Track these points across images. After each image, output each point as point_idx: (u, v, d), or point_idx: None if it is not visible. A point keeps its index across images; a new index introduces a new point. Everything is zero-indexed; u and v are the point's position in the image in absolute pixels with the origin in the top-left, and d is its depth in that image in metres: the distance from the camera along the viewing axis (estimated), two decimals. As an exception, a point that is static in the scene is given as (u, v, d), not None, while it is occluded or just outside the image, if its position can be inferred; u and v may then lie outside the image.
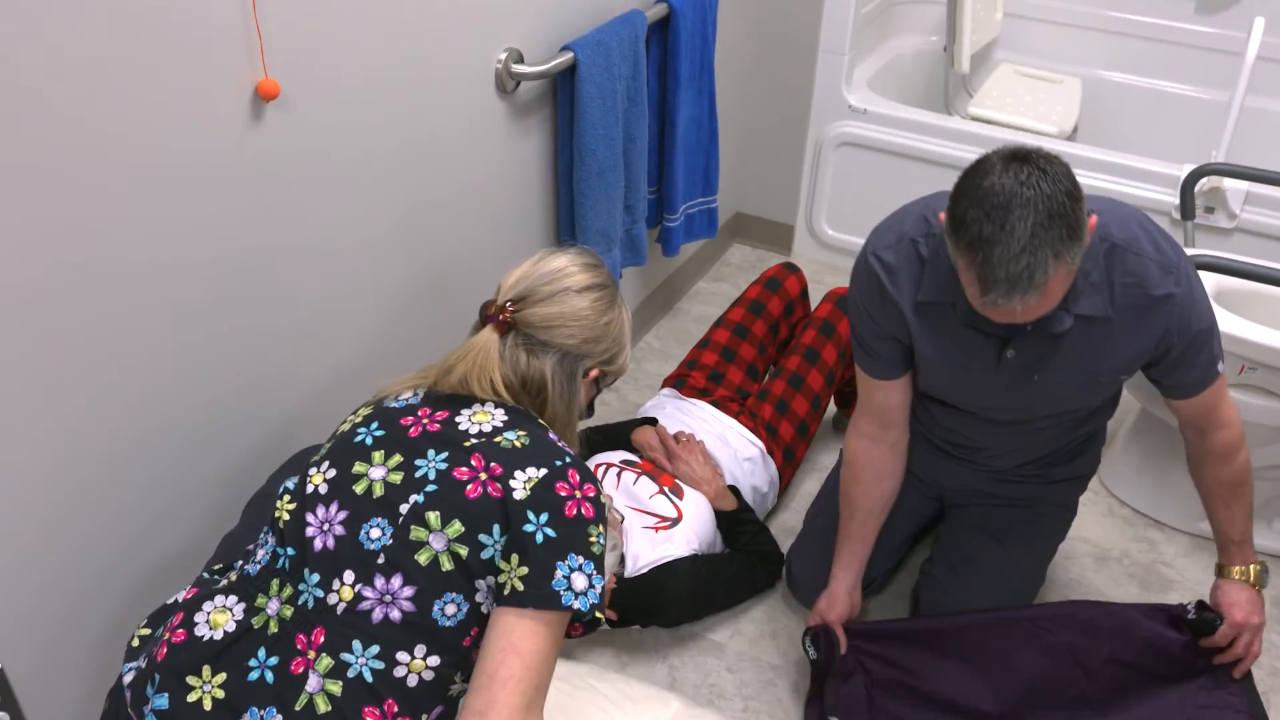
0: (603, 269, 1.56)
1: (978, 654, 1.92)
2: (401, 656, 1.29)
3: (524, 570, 1.29)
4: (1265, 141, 3.38)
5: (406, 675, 1.29)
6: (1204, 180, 2.77)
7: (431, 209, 1.98)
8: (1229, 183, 2.83)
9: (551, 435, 1.42)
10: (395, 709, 1.28)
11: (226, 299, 1.60)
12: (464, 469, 1.33)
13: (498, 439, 1.36)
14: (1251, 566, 1.87)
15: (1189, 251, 2.22)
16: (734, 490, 2.22)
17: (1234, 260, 2.13)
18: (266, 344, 1.71)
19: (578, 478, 1.35)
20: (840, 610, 1.97)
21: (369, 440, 1.40)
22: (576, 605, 1.29)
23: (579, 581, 1.30)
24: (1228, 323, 2.21)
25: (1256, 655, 1.87)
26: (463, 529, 1.30)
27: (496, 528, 1.30)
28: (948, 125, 3.18)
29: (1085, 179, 2.96)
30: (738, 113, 3.24)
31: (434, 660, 1.30)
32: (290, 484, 1.43)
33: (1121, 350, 1.68)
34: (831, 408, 2.70)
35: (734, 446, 2.31)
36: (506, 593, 1.29)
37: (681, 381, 2.47)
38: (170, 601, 1.47)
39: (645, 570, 2.05)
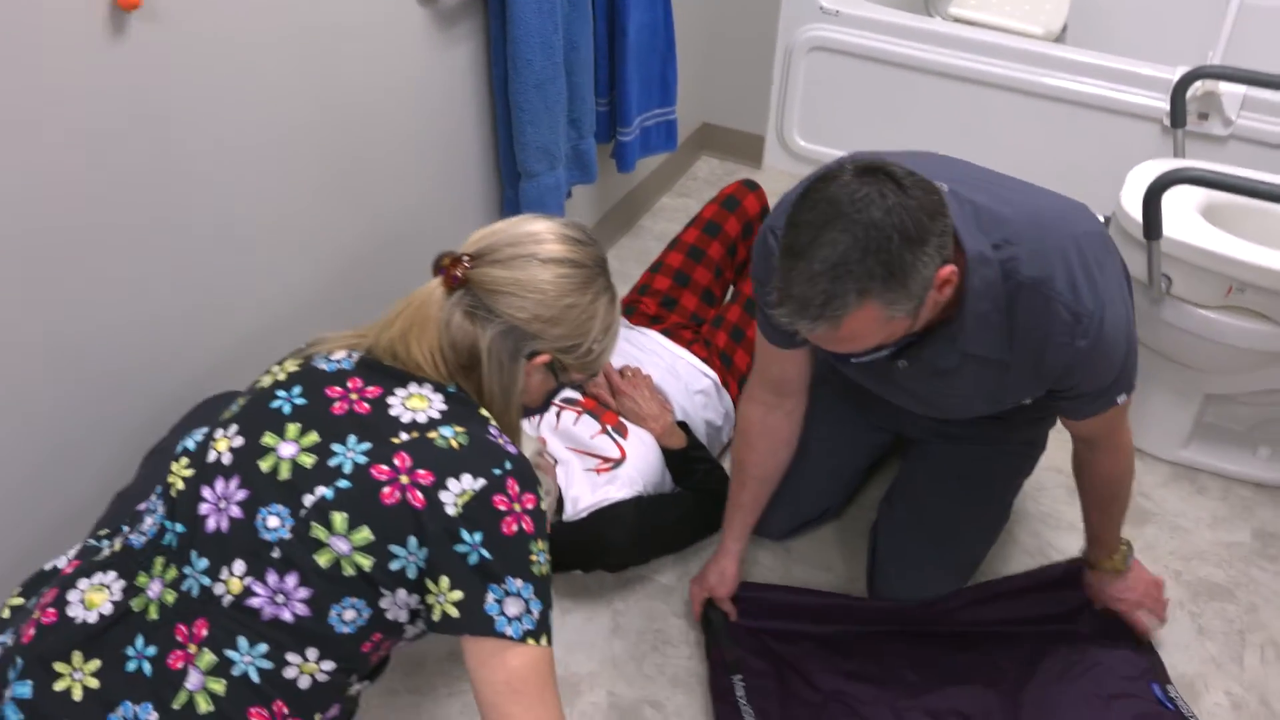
0: (589, 249, 1.33)
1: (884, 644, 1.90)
2: (292, 658, 1.17)
3: (457, 595, 1.17)
4: (1265, 41, 3.17)
5: (298, 677, 1.17)
6: (1198, 84, 2.57)
7: (346, 131, 1.82)
8: (1225, 87, 2.65)
9: (493, 431, 1.25)
10: (285, 710, 1.17)
11: (112, 235, 1.45)
12: (384, 468, 1.18)
13: (432, 435, 1.20)
14: (1118, 555, 1.87)
15: (1176, 164, 2.05)
16: (683, 426, 2.09)
17: (1222, 174, 1.97)
18: (163, 282, 1.56)
19: (517, 488, 1.20)
20: (732, 586, 1.90)
21: (287, 408, 1.24)
22: (509, 632, 1.17)
23: (512, 607, 1.18)
24: (1215, 241, 2.06)
25: (1165, 604, 1.93)
26: (371, 538, 1.16)
27: (413, 540, 1.16)
28: (927, 27, 2.98)
29: (1071, 84, 2.80)
30: (700, 16, 3.03)
31: (328, 665, 1.19)
32: (191, 443, 1.28)
33: (1019, 389, 1.57)
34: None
35: (685, 379, 2.17)
36: (437, 618, 1.18)
37: (631, 308, 2.33)
38: (49, 568, 1.35)
39: (585, 514, 1.93)
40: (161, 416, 1.61)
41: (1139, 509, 2.23)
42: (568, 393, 2.10)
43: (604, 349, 1.35)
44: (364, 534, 1.16)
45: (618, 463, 1.99)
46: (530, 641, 1.18)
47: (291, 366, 1.30)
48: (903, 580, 1.92)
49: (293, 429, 1.22)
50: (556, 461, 1.89)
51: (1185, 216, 2.13)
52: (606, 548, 1.92)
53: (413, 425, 1.21)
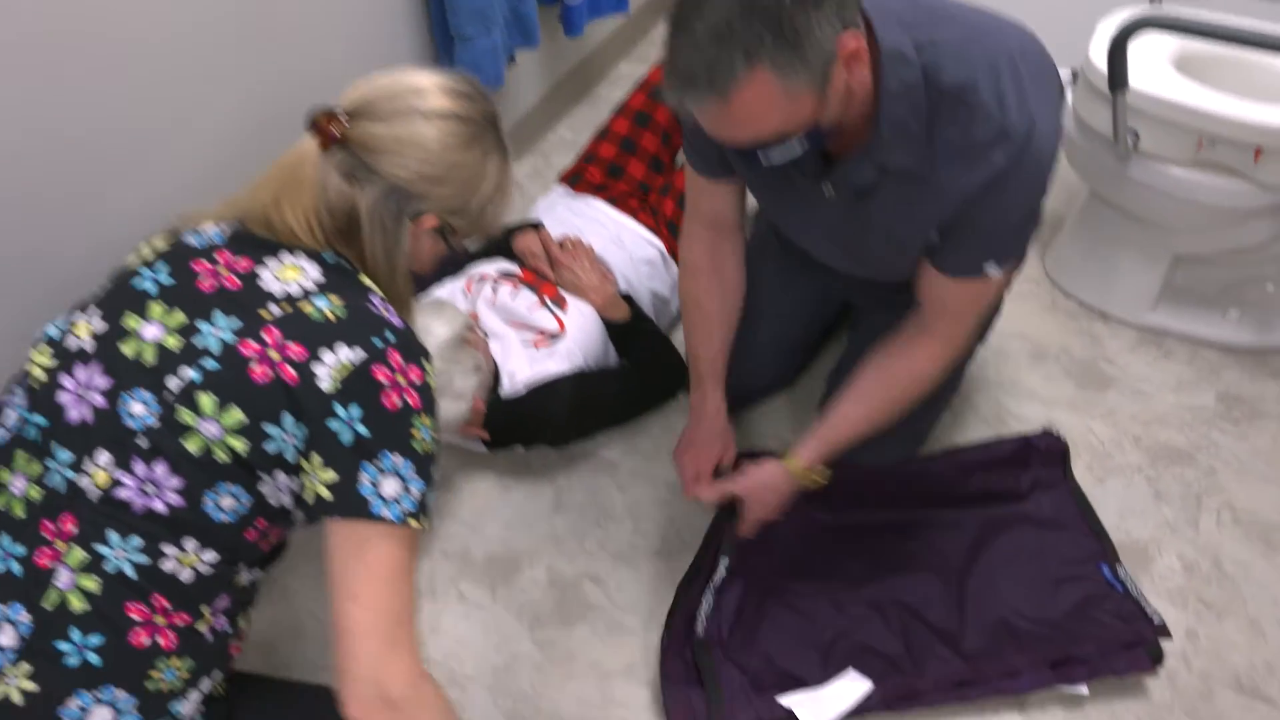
0: (478, 104, 1.23)
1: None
2: (169, 550, 1.11)
3: (330, 474, 1.10)
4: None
5: (177, 570, 1.11)
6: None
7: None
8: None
9: (374, 301, 1.17)
10: (166, 604, 1.12)
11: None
12: (253, 344, 1.10)
13: (305, 307, 1.13)
14: (814, 474, 1.65)
15: (1139, 12, 1.93)
16: (627, 299, 2.02)
17: (1190, 19, 1.84)
18: (33, 160, 1.47)
19: (401, 359, 1.13)
20: (733, 446, 1.79)
21: (151, 287, 1.16)
22: (386, 514, 1.11)
23: (389, 486, 1.11)
24: (1185, 92, 1.95)
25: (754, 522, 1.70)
26: (243, 419, 1.09)
27: (288, 418, 1.10)
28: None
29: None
30: None
31: (209, 556, 1.13)
32: (53, 330, 1.20)
33: (928, 217, 1.41)
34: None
35: (629, 248, 2.09)
36: (311, 500, 1.11)
37: (577, 177, 2.24)
38: None
39: (523, 389, 1.88)
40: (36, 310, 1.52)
41: (1101, 374, 2.18)
42: (504, 264, 2.03)
43: (496, 210, 1.27)
44: (235, 415, 1.09)
45: (557, 336, 1.93)
46: (411, 523, 1.13)
47: (159, 244, 1.22)
48: (850, 452, 1.87)
49: (156, 309, 1.14)
50: (487, 336, 1.83)
51: (1155, 68, 2.02)
52: (545, 422, 1.87)
53: (285, 298, 1.13)
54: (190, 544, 1.11)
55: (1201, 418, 2.10)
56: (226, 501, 1.11)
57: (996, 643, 1.66)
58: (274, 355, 1.10)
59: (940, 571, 1.77)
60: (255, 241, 1.18)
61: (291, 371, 1.09)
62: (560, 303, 1.97)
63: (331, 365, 1.10)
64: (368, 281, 1.20)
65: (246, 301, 1.13)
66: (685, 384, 2.06)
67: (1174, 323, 2.27)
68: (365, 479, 1.10)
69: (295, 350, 1.10)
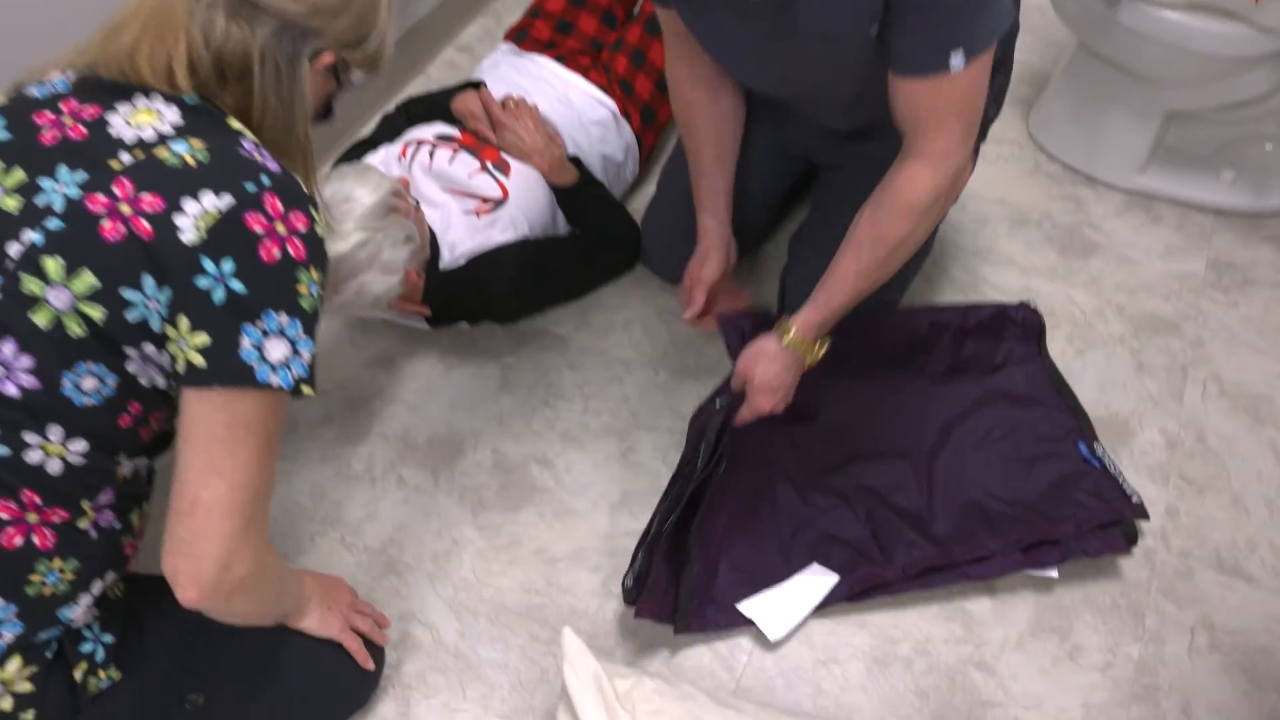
0: None
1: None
2: (31, 439, 0.98)
3: (202, 339, 0.97)
4: None
5: (44, 461, 1.00)
6: None
7: None
8: None
9: (245, 145, 1.03)
10: (38, 500, 1.00)
11: None
12: (102, 198, 0.97)
13: (161, 153, 0.98)
14: (818, 345, 1.48)
15: None
16: (576, 161, 1.88)
17: None
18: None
19: (280, 205, 0.99)
20: (714, 267, 1.64)
21: None
22: (275, 381, 0.99)
23: (276, 349, 0.99)
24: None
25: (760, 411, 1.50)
26: (96, 284, 0.96)
27: (148, 280, 0.96)
28: None
29: None
30: None
31: (78, 445, 1.01)
32: None
33: (861, 10, 1.24)
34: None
35: (579, 108, 1.94)
36: (182, 369, 0.98)
37: (523, 34, 2.07)
38: None
39: (464, 260, 1.74)
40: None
41: (1085, 240, 2.05)
42: (442, 128, 1.88)
43: (390, 40, 1.13)
44: (86, 280, 0.96)
45: (499, 203, 1.79)
46: (304, 389, 1.02)
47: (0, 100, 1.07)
48: None
49: None
50: (418, 204, 1.68)
51: (1151, -104, 1.84)
52: (488, 295, 1.75)
53: (137, 144, 0.99)
54: (54, 432, 0.99)
55: (1190, 286, 1.98)
56: (88, 383, 0.99)
57: (968, 525, 1.56)
58: (125, 209, 0.96)
59: (909, 453, 1.66)
60: (105, 86, 1.03)
61: (146, 226, 0.95)
62: (503, 167, 1.82)
63: (195, 215, 0.96)
64: (237, 125, 1.05)
65: (93, 152, 0.99)
66: (639, 253, 1.94)
67: (1164, 185, 2.13)
68: (247, 342, 0.98)
69: (150, 202, 0.96)
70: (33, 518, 1.00)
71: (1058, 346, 1.86)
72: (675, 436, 1.73)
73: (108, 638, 1.11)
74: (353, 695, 1.38)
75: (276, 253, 0.98)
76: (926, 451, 1.66)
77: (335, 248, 1.49)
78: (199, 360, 0.97)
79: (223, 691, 1.20)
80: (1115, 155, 2.13)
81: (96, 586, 1.08)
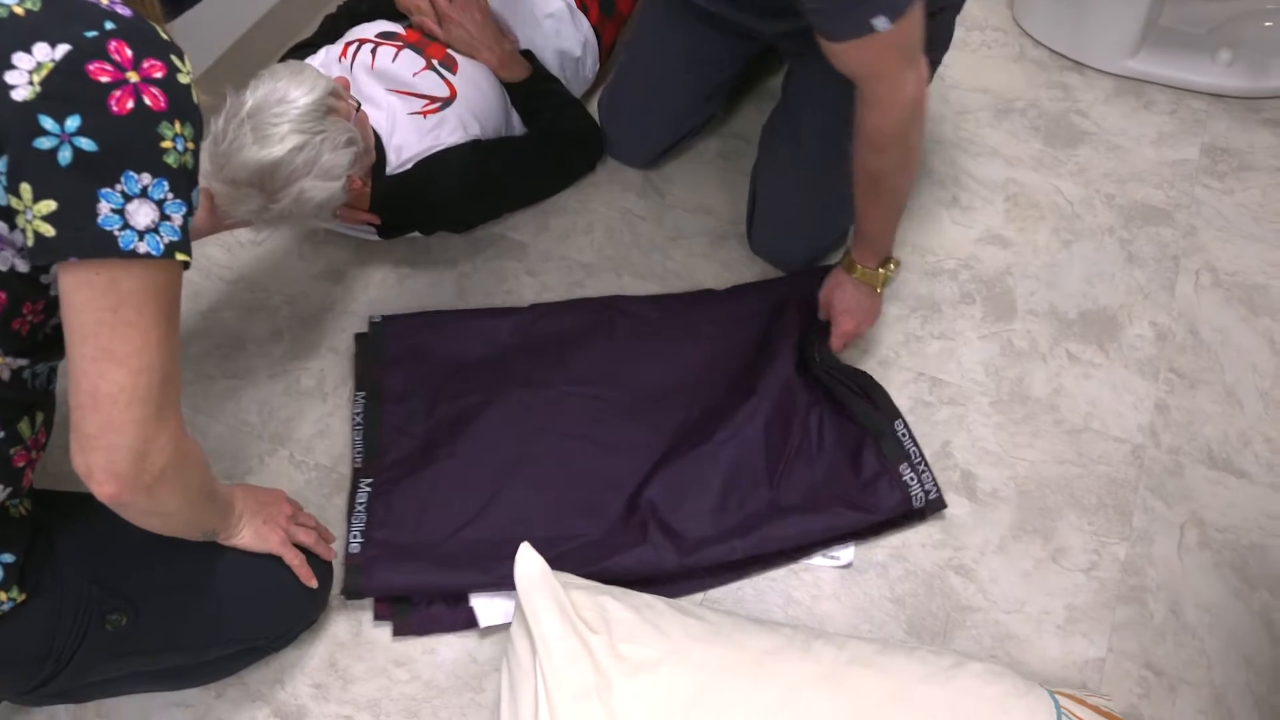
0: None
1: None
2: None
3: (48, 205, 0.87)
4: None
5: None
6: None
7: None
8: None
9: None
10: None
11: None
12: None
13: None
14: (880, 270, 1.52)
15: None
16: (529, 56, 1.77)
17: None
18: None
19: (130, 52, 0.88)
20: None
21: None
22: (143, 248, 0.89)
23: (141, 214, 0.89)
24: None
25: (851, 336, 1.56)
26: None
27: None
28: None
29: None
30: None
31: None
32: None
33: None
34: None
35: (530, 1, 1.82)
36: (31, 243, 0.88)
37: (473, -79, 1.94)
38: None
39: (410, 164, 1.64)
40: None
41: (1073, 128, 1.94)
42: (385, 25, 1.76)
43: None
44: None
45: (446, 102, 1.68)
46: (178, 256, 0.92)
47: None
48: (783, 226, 1.68)
49: None
50: (359, 105, 1.58)
51: None
52: (437, 200, 1.65)
53: None
54: None
55: (1183, 173, 1.87)
56: None
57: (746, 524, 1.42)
58: None
59: (679, 439, 1.51)
60: None
61: None
62: (449, 64, 1.71)
63: (27, 69, 0.86)
64: None
65: None
66: (600, 153, 1.85)
67: (1157, 69, 2.01)
68: (106, 207, 0.88)
69: None
70: None
71: (1043, 239, 1.77)
72: (640, 343, 1.65)
73: (7, 557, 1.03)
74: (296, 613, 1.31)
75: (130, 104, 0.88)
76: (711, 439, 1.49)
77: (270, 152, 1.39)
78: (47, 230, 0.87)
79: (148, 611, 1.13)
80: (1104, 38, 2.02)
81: None
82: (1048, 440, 1.53)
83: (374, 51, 1.70)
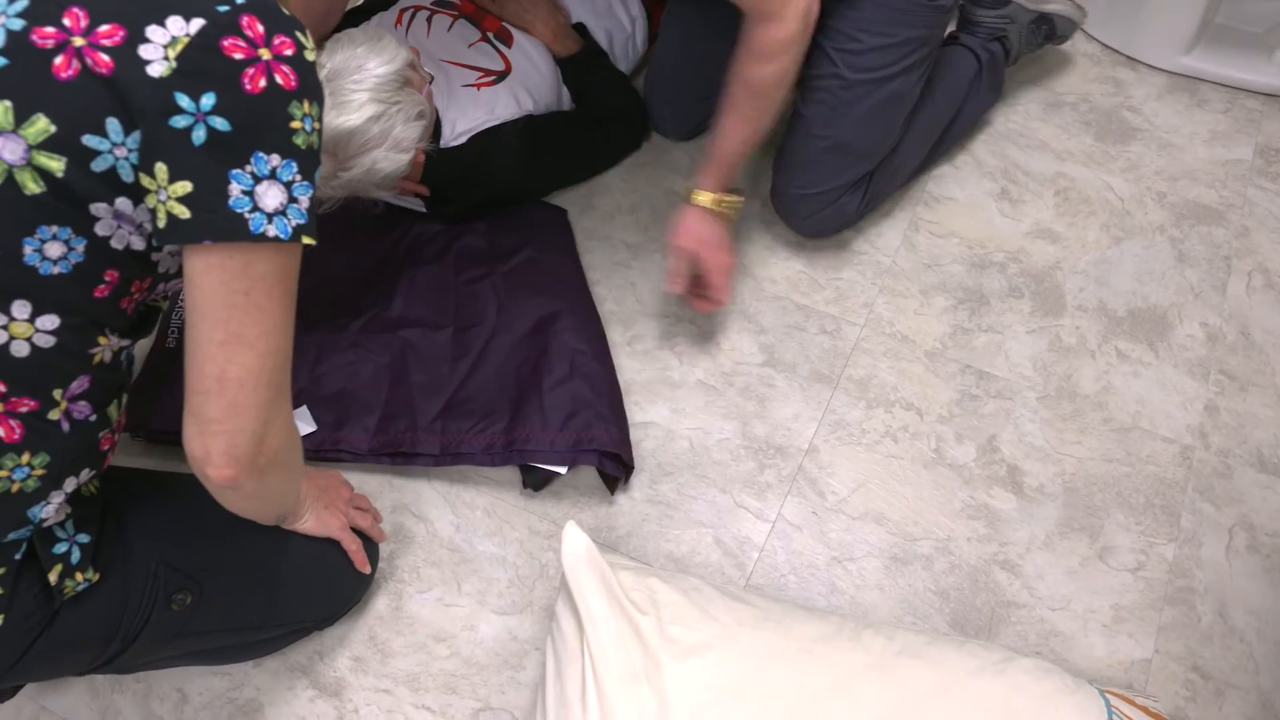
0: None
1: None
2: None
3: (184, 186, 0.85)
4: None
5: (9, 343, 0.89)
6: None
7: None
8: None
9: None
10: (2, 388, 0.90)
11: None
12: (50, 30, 0.84)
13: None
14: (722, 197, 1.50)
15: None
16: (581, 30, 1.75)
17: None
18: None
19: (262, 28, 0.86)
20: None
21: None
22: (271, 231, 0.87)
23: (270, 196, 0.87)
24: None
25: (723, 290, 1.53)
26: (52, 129, 0.84)
27: (114, 124, 0.84)
28: None
29: None
30: None
31: (48, 322, 0.90)
32: None
33: None
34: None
35: (585, -25, 1.81)
36: (163, 223, 0.87)
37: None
38: None
39: (465, 139, 1.63)
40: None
41: (1124, 124, 1.92)
42: (438, -5, 1.75)
43: None
44: (40, 125, 0.84)
45: (500, 75, 1.67)
46: (305, 240, 0.91)
47: None
48: (793, 201, 1.67)
49: None
50: (432, 78, 1.56)
51: None
52: (489, 176, 1.64)
53: None
54: (20, 308, 0.89)
55: (1236, 173, 1.85)
56: (53, 248, 0.88)
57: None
58: (78, 42, 0.84)
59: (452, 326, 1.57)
60: None
61: (105, 59, 0.84)
62: (504, 37, 1.70)
63: (162, 43, 0.84)
64: None
65: None
66: (646, 131, 1.83)
67: (1212, 66, 1.99)
68: (237, 189, 0.86)
69: (108, 32, 0.84)
70: None
71: (1093, 235, 1.75)
72: (684, 324, 1.63)
73: (83, 537, 1.02)
74: (347, 594, 1.30)
75: (263, 82, 0.86)
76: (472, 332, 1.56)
77: (347, 120, 1.37)
78: (182, 211, 0.86)
79: (212, 591, 1.12)
80: (1159, 34, 1.99)
81: (69, 484, 0.99)
82: (1095, 438, 1.52)
83: (429, 20, 1.68)
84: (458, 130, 1.64)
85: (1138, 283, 1.69)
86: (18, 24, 0.85)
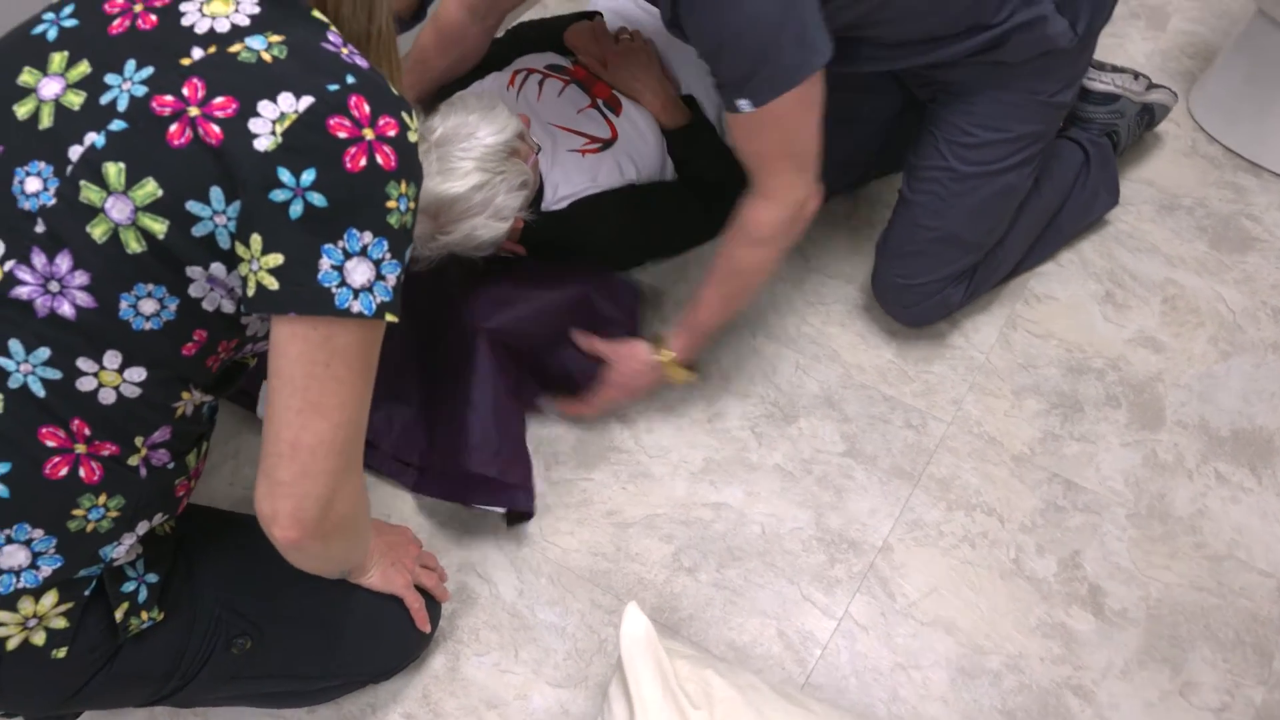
0: None
1: None
2: (86, 365, 0.91)
3: (275, 259, 0.88)
4: None
5: (97, 390, 0.92)
6: None
7: None
8: None
9: (331, 39, 0.92)
10: (87, 431, 0.93)
11: None
12: (169, 99, 0.87)
13: (235, 48, 0.89)
14: (683, 371, 1.52)
15: None
16: (690, 102, 1.76)
17: None
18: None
19: (368, 108, 0.89)
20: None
21: (52, 33, 0.93)
22: (356, 308, 0.89)
23: (359, 272, 0.89)
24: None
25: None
26: (159, 193, 0.87)
27: (216, 192, 0.87)
28: None
29: None
30: None
31: (136, 374, 0.93)
32: None
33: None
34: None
35: (698, 48, 1.81)
36: (252, 292, 0.90)
37: (645, -38, 1.94)
38: None
39: (565, 204, 1.65)
40: None
41: (1243, 232, 1.85)
42: (553, 58, 1.77)
43: None
44: (149, 189, 0.87)
45: (607, 143, 1.68)
46: (388, 317, 0.93)
47: None
48: (896, 291, 1.64)
49: (58, 60, 0.92)
50: (540, 149, 1.58)
51: None
52: (587, 245, 1.65)
53: (210, 38, 0.90)
54: (111, 358, 0.92)
55: (1359, 293, 1.77)
56: (147, 305, 0.91)
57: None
58: (194, 112, 0.87)
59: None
60: None
61: (216, 130, 0.87)
62: (613, 105, 1.71)
63: (271, 118, 0.87)
64: (321, 17, 0.95)
65: (164, 44, 0.90)
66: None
67: (1340, 180, 1.92)
68: (327, 263, 0.88)
69: (222, 104, 0.87)
70: (80, 449, 0.94)
71: (1199, 347, 1.68)
72: (766, 406, 1.62)
73: (152, 577, 1.05)
74: (406, 651, 1.31)
75: (363, 161, 0.88)
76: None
77: (451, 187, 1.40)
78: (271, 283, 0.88)
79: (271, 638, 1.15)
80: (1285, 141, 1.93)
81: (142, 527, 1.02)
82: (1186, 564, 1.45)
83: (541, 84, 1.71)
84: (559, 194, 1.65)
85: (1244, 402, 1.62)
86: (141, 90, 0.89)
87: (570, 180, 1.66)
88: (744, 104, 1.24)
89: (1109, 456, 1.56)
